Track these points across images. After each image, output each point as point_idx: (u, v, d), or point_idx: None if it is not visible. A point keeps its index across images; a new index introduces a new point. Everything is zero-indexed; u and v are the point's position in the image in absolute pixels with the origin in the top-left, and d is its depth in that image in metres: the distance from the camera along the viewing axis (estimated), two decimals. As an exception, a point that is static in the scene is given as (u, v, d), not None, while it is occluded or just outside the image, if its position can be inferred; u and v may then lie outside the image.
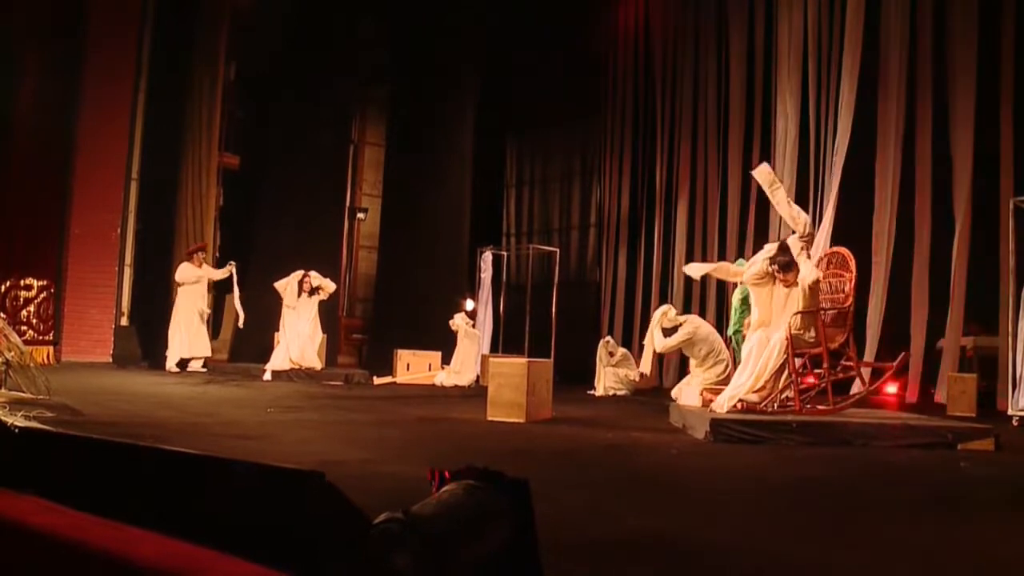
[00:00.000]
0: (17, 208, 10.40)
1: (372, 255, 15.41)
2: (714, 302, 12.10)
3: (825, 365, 6.02)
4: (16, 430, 1.70)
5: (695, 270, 7.74)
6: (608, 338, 10.62)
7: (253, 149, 12.88)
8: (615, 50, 14.09)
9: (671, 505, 3.35)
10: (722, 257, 12.06)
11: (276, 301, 10.94)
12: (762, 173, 6.53)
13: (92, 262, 11.03)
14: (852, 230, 9.64)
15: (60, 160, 10.83)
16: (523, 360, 6.83)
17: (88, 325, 10.97)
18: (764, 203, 11.32)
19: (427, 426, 6.01)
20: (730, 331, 8.90)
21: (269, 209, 12.73)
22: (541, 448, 4.97)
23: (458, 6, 13.98)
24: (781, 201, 6.30)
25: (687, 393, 7.67)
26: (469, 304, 12.87)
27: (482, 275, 13.27)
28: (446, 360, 11.26)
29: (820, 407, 6.03)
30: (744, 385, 5.93)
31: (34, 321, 10.42)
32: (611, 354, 10.17)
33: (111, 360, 10.99)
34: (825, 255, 6.51)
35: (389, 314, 13.81)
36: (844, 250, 6.41)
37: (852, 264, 6.22)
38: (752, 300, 6.33)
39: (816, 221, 10.05)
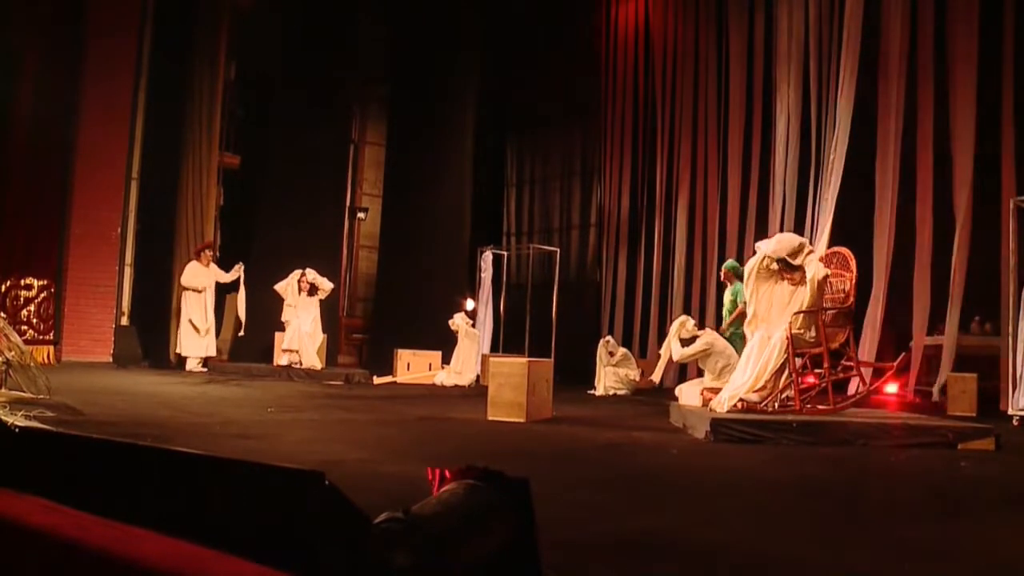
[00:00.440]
0: (17, 208, 10.39)
1: (372, 255, 15.42)
2: (714, 302, 12.09)
3: (826, 365, 6.02)
4: (16, 430, 1.70)
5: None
6: (608, 338, 10.62)
7: (253, 149, 12.88)
8: (615, 50, 14.09)
9: (671, 505, 3.34)
10: (722, 257, 12.05)
11: (276, 301, 10.95)
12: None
13: (92, 262, 11.03)
14: (852, 230, 9.65)
15: (60, 160, 10.83)
16: (523, 360, 6.83)
17: (88, 325, 10.97)
18: (764, 203, 11.36)
19: (427, 426, 6.01)
20: (727, 333, 8.94)
21: (269, 209, 12.73)
22: (541, 448, 4.97)
23: (458, 6, 13.99)
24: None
25: (687, 393, 7.67)
26: (469, 304, 12.87)
27: (482, 275, 13.27)
28: (446, 360, 11.27)
29: (820, 407, 6.03)
30: (744, 384, 5.93)
31: (34, 321, 10.42)
32: (611, 354, 10.18)
33: (111, 360, 10.99)
34: (826, 255, 6.51)
35: (389, 314, 13.81)
36: (845, 250, 6.42)
37: (853, 264, 6.23)
38: (746, 296, 6.30)
39: (816, 220, 10.06)
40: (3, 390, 5.31)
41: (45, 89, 10.48)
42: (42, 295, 10.54)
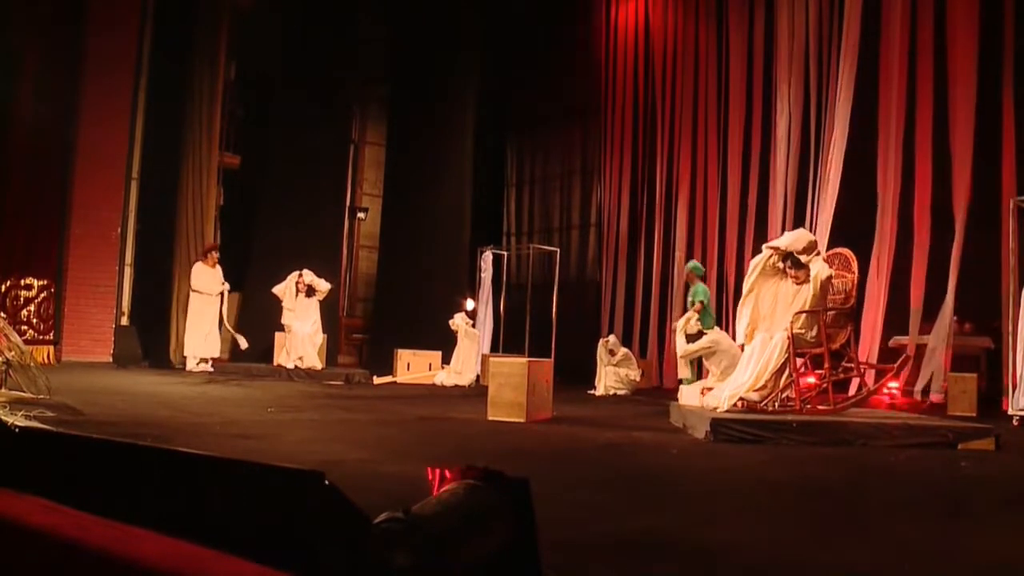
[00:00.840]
0: (17, 208, 10.39)
1: (372, 255, 15.42)
2: (713, 301, 12.08)
3: (826, 365, 6.03)
4: (16, 430, 1.70)
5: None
6: (610, 337, 10.62)
7: (253, 149, 12.88)
8: (615, 50, 14.09)
9: (671, 505, 3.34)
10: (722, 257, 12.07)
11: (276, 302, 10.94)
12: None
13: (92, 262, 11.03)
14: (853, 230, 9.65)
15: (60, 160, 10.83)
16: (523, 360, 6.83)
17: (88, 325, 10.97)
18: (764, 203, 11.35)
19: (427, 426, 6.01)
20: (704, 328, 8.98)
21: (269, 209, 12.73)
22: (541, 448, 4.97)
23: (458, 6, 13.99)
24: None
25: (687, 393, 7.68)
26: (469, 304, 12.87)
27: (482, 275, 13.28)
28: (446, 360, 11.27)
29: (820, 407, 6.03)
30: (745, 384, 5.93)
31: (34, 321, 10.42)
32: (612, 353, 10.18)
33: (111, 360, 10.99)
34: (828, 256, 6.52)
35: (389, 314, 13.81)
36: (847, 251, 6.44)
37: (854, 265, 6.25)
38: (745, 293, 6.30)
39: (815, 221, 10.06)
40: (3, 390, 5.31)
41: (45, 89, 10.48)
42: (42, 295, 10.54)
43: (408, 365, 11.43)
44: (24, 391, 5.39)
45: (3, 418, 2.76)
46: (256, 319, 11.62)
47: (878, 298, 9.60)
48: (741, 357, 6.40)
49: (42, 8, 10.59)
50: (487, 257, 13.36)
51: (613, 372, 10.03)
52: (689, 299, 9.39)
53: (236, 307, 12.84)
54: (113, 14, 11.20)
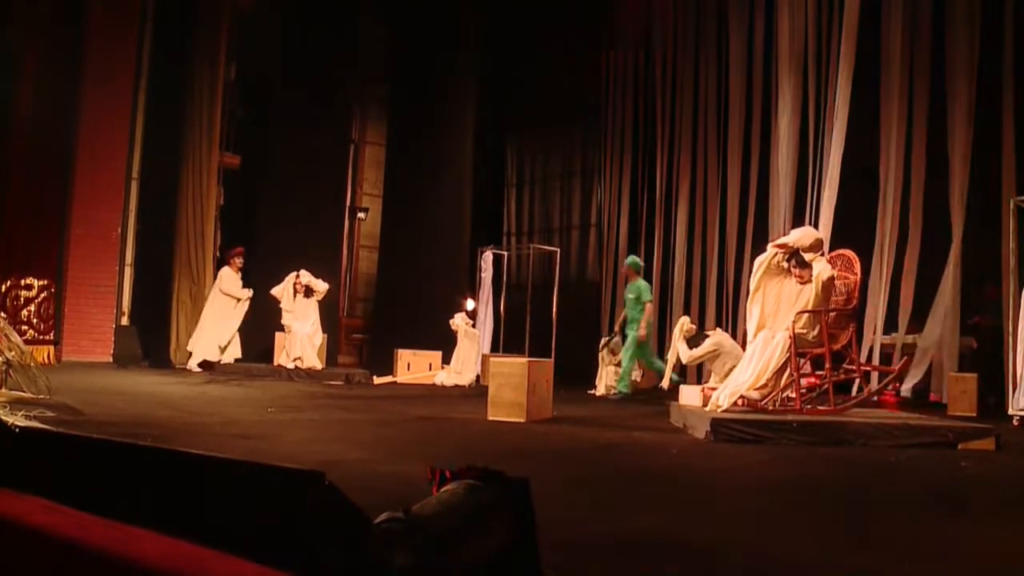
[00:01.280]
0: (17, 208, 10.39)
1: (372, 255, 15.41)
2: (714, 302, 12.10)
3: (827, 366, 6.03)
4: (17, 430, 1.70)
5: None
6: (616, 337, 10.61)
7: (253, 149, 12.88)
8: (615, 50, 14.09)
9: (671, 504, 3.34)
10: (722, 257, 12.07)
11: (276, 302, 10.94)
12: None
13: (93, 262, 11.03)
14: (853, 230, 9.65)
15: (60, 160, 10.83)
16: (523, 360, 6.83)
17: (88, 325, 10.97)
18: (764, 203, 11.36)
19: (427, 426, 6.01)
20: (639, 330, 8.97)
21: (269, 209, 12.73)
22: (541, 448, 4.97)
23: (458, 6, 13.98)
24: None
25: (687, 393, 7.68)
26: (469, 304, 12.87)
27: (483, 275, 13.27)
28: (446, 360, 11.27)
29: (821, 407, 6.04)
30: (746, 382, 5.93)
31: (35, 321, 10.42)
32: (613, 353, 10.17)
33: (111, 360, 10.99)
34: (831, 257, 6.53)
35: (389, 314, 13.81)
36: (849, 252, 6.45)
37: (856, 266, 6.26)
38: (751, 291, 6.30)
39: (816, 221, 10.06)
40: (3, 390, 5.31)
41: (45, 89, 10.47)
42: (42, 295, 10.54)
43: (408, 365, 11.43)
44: (24, 391, 5.39)
45: (3, 418, 2.76)
46: (256, 320, 11.60)
47: (878, 299, 9.61)
48: (743, 356, 6.41)
49: (42, 8, 10.58)
50: (487, 257, 13.36)
51: (614, 372, 10.03)
52: (629, 296, 9.39)
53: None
54: (113, 14, 11.19)
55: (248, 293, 10.90)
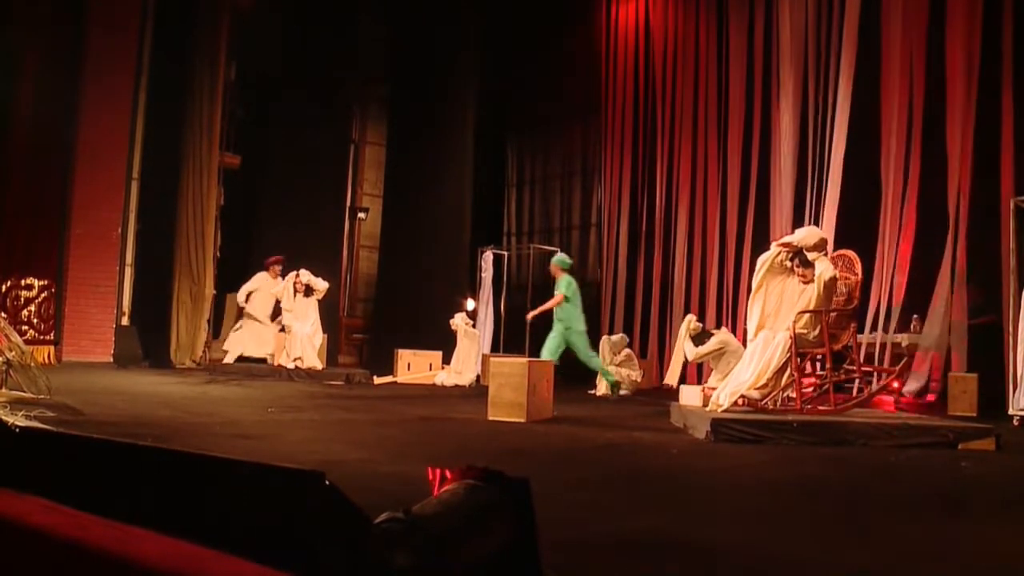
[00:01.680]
0: (18, 208, 10.39)
1: (373, 255, 15.41)
2: (714, 302, 12.10)
3: (828, 366, 6.03)
4: (17, 430, 1.70)
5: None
6: (620, 336, 10.59)
7: (253, 149, 12.88)
8: (615, 50, 14.09)
9: (671, 505, 3.34)
10: (723, 257, 12.07)
11: (276, 303, 10.95)
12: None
13: (93, 262, 11.03)
14: (854, 230, 9.65)
15: (61, 160, 10.83)
16: (524, 360, 6.83)
17: (89, 325, 10.97)
18: (764, 203, 11.35)
19: (427, 426, 6.01)
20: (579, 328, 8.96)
21: (269, 209, 12.74)
22: (541, 448, 4.97)
23: (458, 6, 13.98)
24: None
25: (688, 393, 7.68)
26: (470, 304, 12.87)
27: (483, 275, 13.27)
28: (446, 360, 11.27)
29: (821, 407, 6.04)
30: (746, 382, 5.93)
31: (35, 321, 10.42)
32: (614, 352, 10.16)
33: (111, 360, 10.99)
34: (832, 257, 6.54)
35: (390, 314, 13.81)
36: (850, 252, 6.46)
37: (858, 267, 6.26)
38: (754, 290, 6.30)
39: (818, 221, 10.06)
40: (3, 390, 5.31)
41: (45, 89, 10.47)
42: (42, 295, 10.54)
43: (408, 365, 11.43)
44: (24, 391, 5.39)
45: (3, 418, 2.76)
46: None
47: (879, 299, 9.60)
48: (743, 355, 6.41)
49: (42, 8, 10.58)
50: (487, 257, 13.36)
51: (614, 372, 10.03)
52: (556, 293, 9.39)
53: (236, 307, 12.83)
54: (113, 14, 11.19)
55: (274, 298, 11.05)
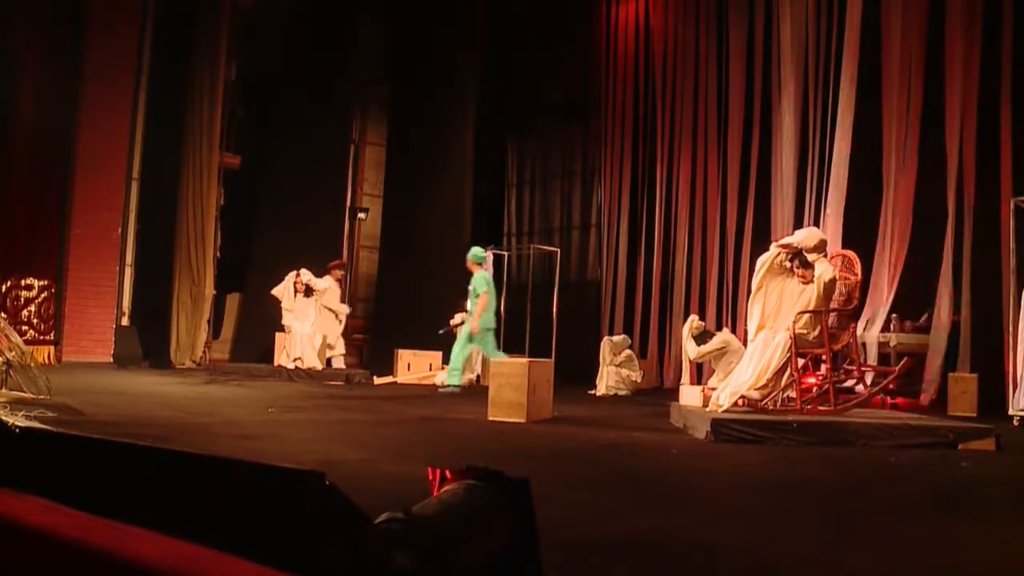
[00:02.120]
0: (18, 208, 10.40)
1: (373, 255, 15.41)
2: (714, 302, 12.10)
3: (828, 366, 6.03)
4: (17, 430, 1.70)
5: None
6: (622, 336, 10.59)
7: (253, 149, 12.89)
8: (615, 50, 14.09)
9: (671, 505, 3.34)
10: (723, 257, 12.07)
11: (276, 302, 10.94)
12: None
13: (93, 262, 11.03)
14: (854, 230, 9.65)
15: (61, 160, 10.83)
16: (524, 360, 6.83)
17: (89, 325, 10.97)
18: (764, 203, 11.35)
19: (428, 426, 6.01)
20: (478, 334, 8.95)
21: (269, 209, 12.74)
22: (542, 448, 4.97)
23: (458, 6, 13.98)
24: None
25: (688, 393, 7.68)
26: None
27: (483, 275, 13.24)
28: (446, 360, 11.25)
29: (821, 408, 6.04)
30: (746, 382, 5.93)
31: (35, 321, 10.42)
32: (615, 353, 10.16)
33: (111, 360, 10.99)
34: (832, 257, 6.54)
35: (390, 314, 13.81)
36: (850, 253, 6.46)
37: (857, 267, 6.26)
38: (754, 290, 6.31)
39: (820, 221, 10.06)
40: (3, 390, 5.31)
41: (45, 89, 10.48)
42: (42, 295, 10.55)
43: (408, 365, 11.43)
44: (24, 391, 5.39)
45: (3, 418, 2.76)
46: (257, 319, 11.61)
47: (879, 299, 9.60)
48: (743, 356, 6.41)
49: (42, 8, 10.59)
50: (488, 257, 13.34)
51: (615, 372, 10.02)
52: (470, 288, 9.37)
53: (236, 307, 12.84)
54: (113, 14, 11.20)
55: (346, 309, 11.31)
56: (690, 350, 8.19)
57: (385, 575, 1.18)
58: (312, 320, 10.93)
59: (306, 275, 10.83)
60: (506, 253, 14.22)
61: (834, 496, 3.75)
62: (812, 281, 5.98)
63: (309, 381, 10.05)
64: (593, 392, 9.97)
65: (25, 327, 10.10)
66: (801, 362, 6.03)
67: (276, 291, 10.81)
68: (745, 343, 6.71)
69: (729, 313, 11.78)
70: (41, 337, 10.41)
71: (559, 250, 13.59)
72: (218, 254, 11.73)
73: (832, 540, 2.77)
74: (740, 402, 5.93)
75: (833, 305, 6.10)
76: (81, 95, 10.87)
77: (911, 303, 9.53)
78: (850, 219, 9.81)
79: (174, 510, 1.35)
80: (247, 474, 1.31)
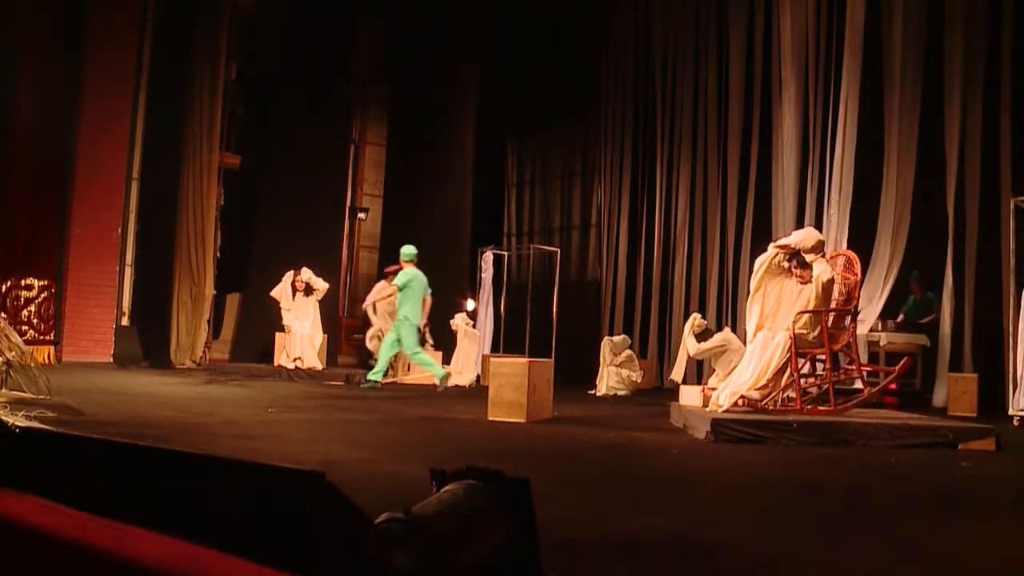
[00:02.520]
0: (18, 208, 10.39)
1: (373, 255, 15.41)
2: (714, 302, 12.10)
3: (828, 366, 6.03)
4: (17, 430, 1.70)
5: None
6: (622, 337, 10.59)
7: (253, 149, 12.89)
8: (615, 50, 14.08)
9: (671, 505, 3.34)
10: (723, 257, 12.07)
11: (276, 302, 10.94)
12: None
13: (93, 262, 11.03)
14: (854, 230, 9.65)
15: (61, 160, 10.83)
16: (524, 360, 6.82)
17: (89, 325, 10.97)
18: (764, 203, 11.35)
19: (427, 426, 6.01)
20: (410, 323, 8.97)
21: (269, 209, 12.73)
22: (542, 448, 4.97)
23: (458, 6, 13.99)
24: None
25: (688, 393, 7.68)
26: (470, 304, 12.86)
27: (483, 275, 13.26)
28: (447, 360, 11.26)
29: (821, 408, 6.04)
30: (746, 382, 5.94)
31: (35, 321, 10.42)
32: (615, 353, 10.17)
33: (111, 360, 10.99)
34: (831, 257, 6.54)
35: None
36: (850, 253, 6.46)
37: (857, 267, 6.26)
38: (752, 291, 6.30)
39: (818, 221, 10.06)
40: (3, 390, 5.30)
41: (45, 90, 10.47)
42: (42, 295, 10.54)
43: (408, 366, 11.41)
44: (24, 391, 5.38)
45: (3, 418, 2.76)
46: (257, 319, 11.60)
47: (879, 300, 9.60)
48: (743, 356, 6.41)
49: (42, 8, 10.58)
50: (487, 257, 13.35)
51: (615, 372, 10.02)
52: (396, 283, 9.37)
53: (236, 307, 12.83)
54: (113, 14, 11.19)
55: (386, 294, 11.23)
56: (690, 346, 8.19)
57: (385, 575, 1.18)
58: (312, 320, 10.92)
59: (306, 274, 10.82)
60: (506, 253, 14.22)
61: (834, 496, 3.75)
62: (810, 281, 5.99)
63: (309, 381, 10.05)
64: (593, 392, 9.97)
65: (25, 327, 10.09)
66: (802, 362, 6.03)
67: (275, 292, 10.80)
68: (746, 343, 6.71)
69: (729, 313, 11.78)
70: (41, 337, 10.40)
71: (559, 250, 13.59)
72: (218, 254, 11.72)
73: (832, 540, 2.77)
74: (740, 402, 5.93)
75: (833, 305, 6.10)
76: (81, 95, 10.87)
77: (897, 301, 9.59)
78: (853, 218, 9.81)
79: (174, 510, 1.35)
80: (247, 474, 1.31)
